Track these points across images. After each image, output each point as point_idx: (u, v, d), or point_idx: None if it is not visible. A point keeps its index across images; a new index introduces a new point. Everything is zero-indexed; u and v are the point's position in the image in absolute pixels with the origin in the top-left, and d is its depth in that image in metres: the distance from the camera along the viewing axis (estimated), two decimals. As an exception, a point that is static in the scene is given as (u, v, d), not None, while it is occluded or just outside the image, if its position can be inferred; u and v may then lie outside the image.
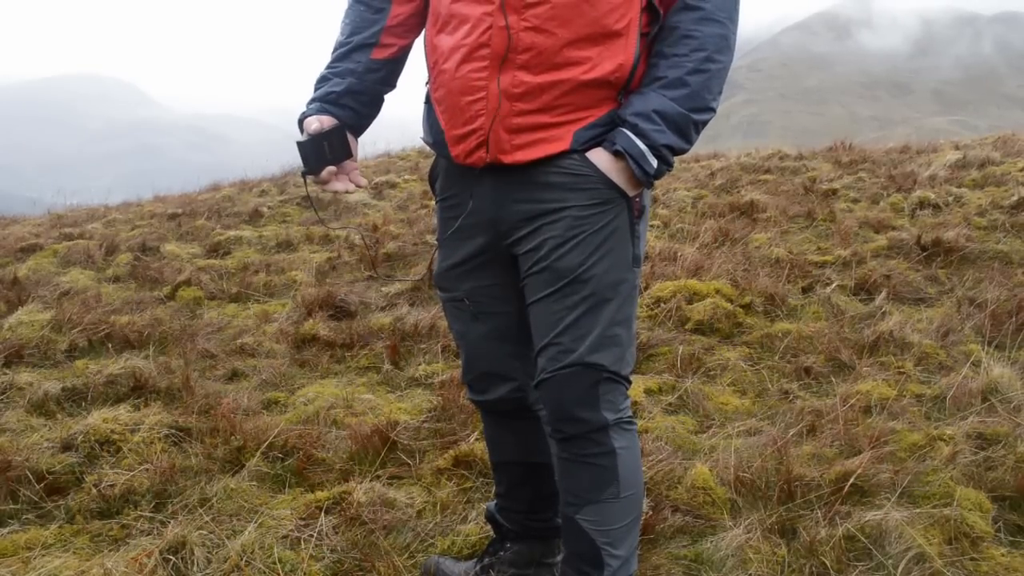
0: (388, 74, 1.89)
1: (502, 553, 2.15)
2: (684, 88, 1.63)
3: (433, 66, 1.75)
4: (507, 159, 1.68)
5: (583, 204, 1.68)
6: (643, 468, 2.61)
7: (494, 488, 2.22)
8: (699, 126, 1.68)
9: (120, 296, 5.21)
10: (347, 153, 1.83)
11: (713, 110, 1.68)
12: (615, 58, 1.64)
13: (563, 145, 1.67)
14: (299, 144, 1.80)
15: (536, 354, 1.78)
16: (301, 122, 1.85)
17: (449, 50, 1.69)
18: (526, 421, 1.99)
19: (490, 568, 2.14)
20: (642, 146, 1.63)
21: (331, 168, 1.81)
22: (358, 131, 1.90)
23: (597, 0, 1.61)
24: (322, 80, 1.87)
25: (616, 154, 1.65)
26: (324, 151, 1.80)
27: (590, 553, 1.80)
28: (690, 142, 1.68)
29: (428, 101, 1.80)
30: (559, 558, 2.05)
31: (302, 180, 1.94)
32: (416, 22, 1.86)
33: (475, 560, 2.20)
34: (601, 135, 1.68)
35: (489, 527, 2.27)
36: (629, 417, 1.81)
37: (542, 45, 1.62)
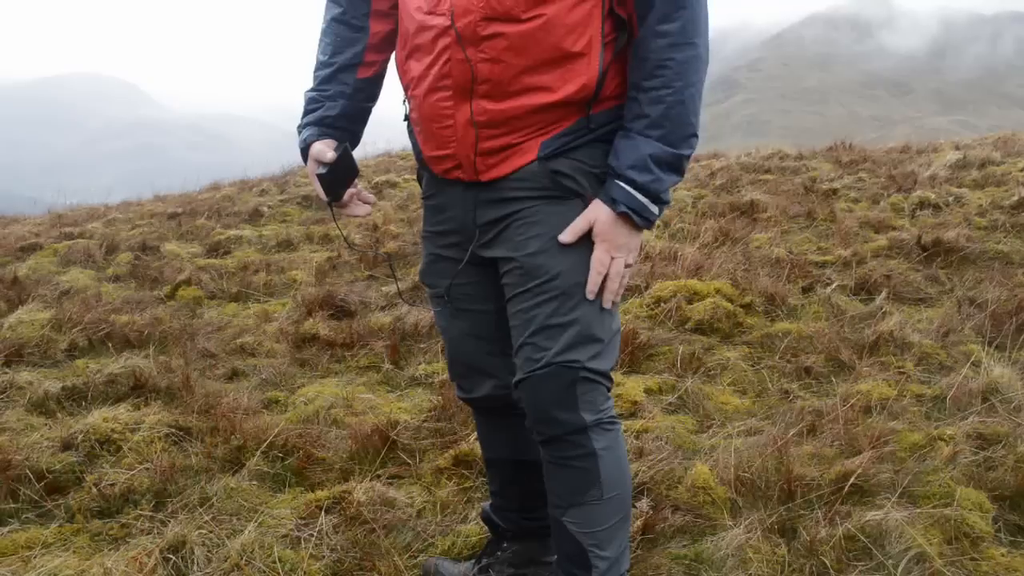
0: (373, 90, 1.94)
1: (500, 553, 2.15)
2: (668, 124, 1.62)
3: (406, 89, 1.78)
4: (483, 178, 1.72)
5: (540, 205, 1.70)
6: (643, 468, 2.63)
7: (489, 487, 2.22)
8: (689, 156, 1.68)
9: (120, 295, 5.22)
10: (356, 171, 1.88)
11: (697, 134, 1.67)
12: (578, 79, 1.63)
13: (530, 156, 1.68)
14: (320, 176, 1.84)
15: (514, 354, 1.78)
16: (305, 150, 1.87)
17: (417, 78, 1.71)
18: (514, 418, 1.99)
19: (489, 568, 2.14)
20: (642, 199, 1.65)
21: (351, 191, 1.88)
22: (353, 147, 1.94)
23: (553, 26, 1.59)
24: (313, 102, 1.90)
25: (621, 214, 1.66)
26: (341, 175, 1.85)
27: (577, 555, 1.79)
28: (682, 173, 1.68)
29: (407, 119, 1.83)
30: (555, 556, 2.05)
31: (329, 211, 1.95)
32: (394, 37, 1.87)
33: (473, 561, 2.20)
34: (568, 143, 1.69)
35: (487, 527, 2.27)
36: (611, 417, 1.80)
37: (501, 75, 1.62)
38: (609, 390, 1.80)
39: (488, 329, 1.91)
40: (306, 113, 1.91)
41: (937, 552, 2.24)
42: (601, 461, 1.75)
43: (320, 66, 1.90)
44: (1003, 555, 2.28)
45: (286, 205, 8.36)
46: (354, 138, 1.94)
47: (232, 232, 7.04)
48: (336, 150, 1.84)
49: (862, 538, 2.30)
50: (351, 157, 1.87)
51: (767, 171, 8.78)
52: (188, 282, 5.36)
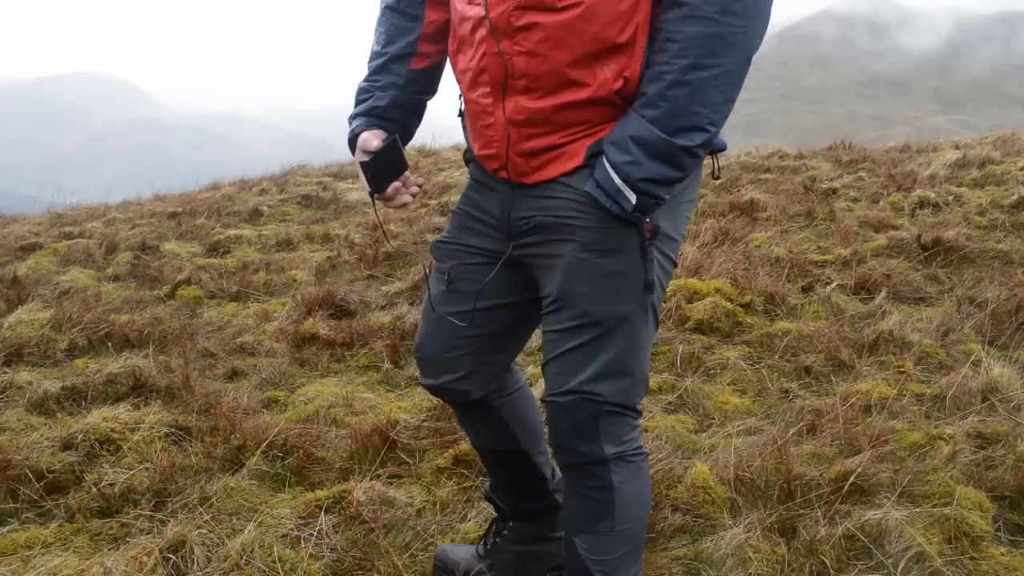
0: (429, 82, 1.85)
1: (506, 532, 2.13)
2: (663, 106, 1.45)
3: (458, 83, 1.72)
4: (527, 180, 1.64)
5: (589, 226, 1.58)
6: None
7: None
8: (691, 151, 1.47)
9: (120, 295, 5.22)
10: (405, 164, 1.80)
11: (707, 130, 1.46)
12: (621, 72, 1.50)
13: (577, 161, 1.57)
14: (363, 164, 1.75)
15: (543, 367, 1.74)
16: (352, 140, 1.80)
17: (462, 72, 1.65)
18: (482, 411, 1.93)
19: (497, 548, 2.13)
20: (617, 181, 1.49)
21: (396, 184, 1.79)
22: (406, 141, 1.86)
23: (594, 15, 1.46)
24: (363, 92, 1.83)
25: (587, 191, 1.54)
26: (387, 167, 1.76)
27: None
28: (681, 169, 1.49)
29: (461, 115, 1.77)
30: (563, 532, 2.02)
31: (370, 201, 1.83)
32: (449, 27, 1.78)
33: (482, 542, 2.19)
34: None
35: (490, 518, 2.26)
36: (636, 448, 1.73)
37: (538, 70, 1.51)
38: (636, 420, 1.73)
39: (474, 321, 1.80)
40: (357, 103, 1.83)
41: (937, 551, 2.24)
42: (617, 494, 1.71)
43: (373, 56, 1.82)
44: (1003, 554, 2.28)
45: (286, 204, 8.36)
46: (406, 131, 1.84)
47: (232, 231, 7.03)
48: (384, 141, 1.76)
49: (862, 537, 2.30)
50: (400, 149, 1.77)
51: (767, 170, 8.77)
52: (188, 281, 5.35)
